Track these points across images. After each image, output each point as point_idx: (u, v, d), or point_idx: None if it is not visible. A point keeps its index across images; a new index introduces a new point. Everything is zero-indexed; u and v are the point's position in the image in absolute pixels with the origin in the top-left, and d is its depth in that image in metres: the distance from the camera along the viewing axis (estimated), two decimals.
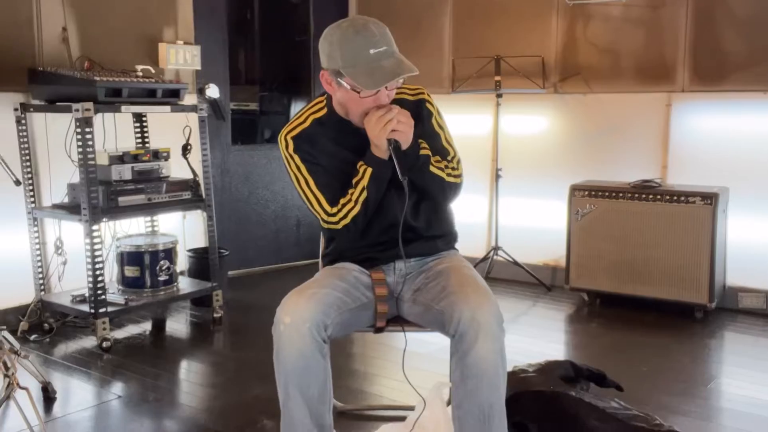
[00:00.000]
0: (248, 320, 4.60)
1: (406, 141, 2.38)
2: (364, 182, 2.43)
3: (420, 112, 2.53)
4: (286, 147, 2.49)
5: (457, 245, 2.72)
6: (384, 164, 2.42)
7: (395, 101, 2.44)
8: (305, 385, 2.26)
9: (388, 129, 2.33)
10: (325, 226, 2.51)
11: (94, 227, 3.92)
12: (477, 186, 5.56)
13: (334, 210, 2.47)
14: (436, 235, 2.63)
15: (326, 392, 2.33)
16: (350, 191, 2.46)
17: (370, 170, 2.43)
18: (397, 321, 2.62)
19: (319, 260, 2.79)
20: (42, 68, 4.20)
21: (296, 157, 2.48)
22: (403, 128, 2.35)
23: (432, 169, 2.49)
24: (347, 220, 2.46)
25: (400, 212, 2.46)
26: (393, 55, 2.32)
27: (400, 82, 2.41)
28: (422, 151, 2.47)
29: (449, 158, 2.57)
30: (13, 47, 4.19)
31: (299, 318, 2.23)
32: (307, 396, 2.27)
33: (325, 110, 2.52)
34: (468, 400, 2.23)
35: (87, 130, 3.84)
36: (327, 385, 2.32)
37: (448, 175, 2.53)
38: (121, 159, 4.21)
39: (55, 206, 4.30)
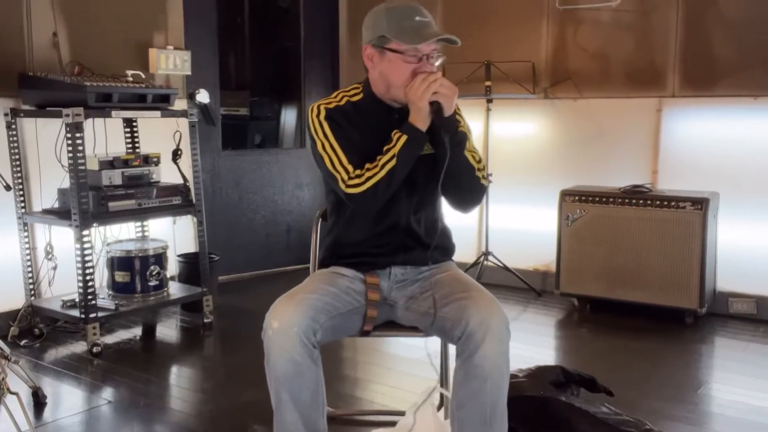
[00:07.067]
0: (238, 325, 4.59)
1: (449, 107, 2.35)
2: (395, 150, 2.35)
3: None
4: (318, 114, 2.45)
5: (453, 257, 2.70)
6: (420, 136, 2.37)
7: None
8: (296, 390, 2.25)
9: (431, 90, 2.31)
10: (346, 190, 2.37)
11: (85, 232, 3.91)
12: None
13: (358, 172, 2.37)
14: (434, 245, 2.61)
15: (318, 398, 2.31)
16: (378, 158, 2.37)
17: (404, 138, 2.35)
18: (389, 326, 2.62)
19: (311, 257, 2.78)
20: (32, 73, 4.20)
21: (325, 125, 2.44)
22: (447, 92, 2.33)
23: (467, 153, 2.47)
24: (369, 184, 2.35)
25: (405, 215, 2.48)
26: (436, 27, 2.40)
27: (442, 60, 2.41)
28: (461, 128, 2.46)
29: (477, 159, 2.55)
30: (3, 52, 4.18)
31: (287, 322, 2.22)
32: (299, 401, 2.26)
33: (361, 95, 2.53)
34: (471, 401, 2.23)
35: (77, 135, 3.83)
36: (319, 391, 2.31)
37: (478, 169, 2.51)
38: (111, 164, 4.20)
39: (46, 211, 4.29)
